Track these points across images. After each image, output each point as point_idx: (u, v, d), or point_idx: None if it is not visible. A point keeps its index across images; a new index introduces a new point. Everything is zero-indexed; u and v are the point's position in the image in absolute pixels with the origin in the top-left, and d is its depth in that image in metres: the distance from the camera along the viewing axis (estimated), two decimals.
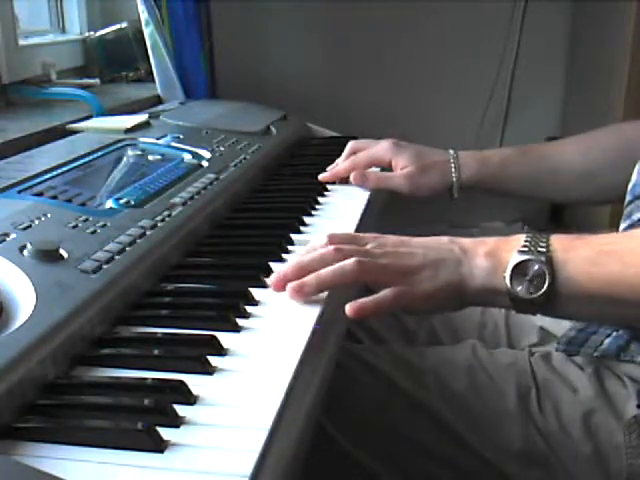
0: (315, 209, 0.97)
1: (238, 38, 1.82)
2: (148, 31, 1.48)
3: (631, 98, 1.50)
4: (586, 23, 1.77)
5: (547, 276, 0.62)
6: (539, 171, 1.05)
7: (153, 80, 1.53)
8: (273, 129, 1.31)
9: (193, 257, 0.77)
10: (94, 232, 0.70)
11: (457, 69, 1.85)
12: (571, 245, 0.64)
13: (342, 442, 0.78)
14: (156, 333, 0.60)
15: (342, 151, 1.12)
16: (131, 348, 0.58)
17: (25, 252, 0.62)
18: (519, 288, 0.63)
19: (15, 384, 0.48)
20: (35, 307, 0.54)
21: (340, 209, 0.98)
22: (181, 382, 0.51)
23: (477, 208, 1.59)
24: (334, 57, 1.86)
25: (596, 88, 1.68)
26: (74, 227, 0.70)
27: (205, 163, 1.01)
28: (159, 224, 0.76)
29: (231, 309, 0.64)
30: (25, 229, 0.67)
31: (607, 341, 0.80)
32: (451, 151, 1.06)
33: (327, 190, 1.05)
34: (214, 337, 0.58)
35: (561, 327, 0.87)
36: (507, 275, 0.64)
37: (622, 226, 0.83)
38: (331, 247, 0.68)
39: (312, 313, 0.65)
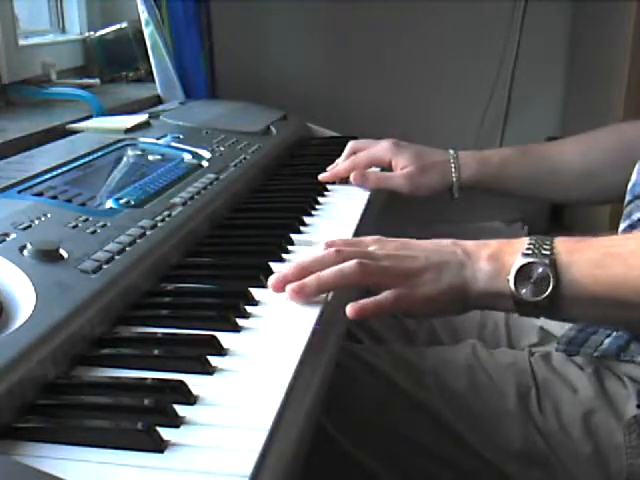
0: (315, 209, 0.97)
1: (238, 38, 1.82)
2: (148, 31, 1.48)
3: (631, 98, 1.50)
4: (586, 23, 1.77)
5: (551, 279, 0.62)
6: (539, 171, 1.05)
7: (153, 80, 1.53)
8: (273, 129, 1.31)
9: (193, 257, 0.77)
10: (94, 232, 0.70)
11: (457, 69, 1.85)
12: (575, 247, 0.64)
13: (342, 442, 0.78)
14: (156, 333, 0.60)
15: (342, 151, 1.12)
16: (131, 348, 0.58)
17: (25, 252, 0.62)
18: (523, 291, 0.63)
19: (15, 384, 0.48)
20: (35, 307, 0.54)
21: (340, 209, 0.98)
22: (181, 382, 0.51)
23: (477, 208, 1.59)
24: (334, 57, 1.86)
25: (596, 88, 1.68)
26: (74, 227, 0.70)
27: (205, 163, 1.01)
28: (159, 224, 0.76)
29: (231, 309, 0.64)
30: (25, 229, 0.67)
31: (607, 341, 0.80)
32: (451, 151, 1.06)
33: (327, 190, 1.05)
34: (214, 337, 0.58)
35: (561, 327, 0.87)
36: (511, 278, 0.63)
37: (622, 226, 0.83)
38: (332, 249, 0.68)
39: (312, 313, 0.65)
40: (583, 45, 1.79)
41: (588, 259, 0.63)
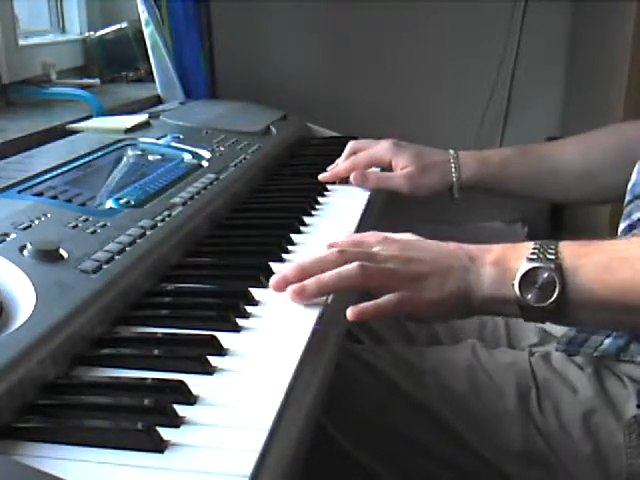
0: (315, 209, 0.97)
1: (238, 38, 1.82)
2: (148, 31, 1.48)
3: (631, 98, 1.50)
4: (586, 23, 1.77)
5: (557, 284, 0.61)
6: (539, 171, 1.05)
7: (153, 80, 1.53)
8: (273, 129, 1.31)
9: (193, 257, 0.77)
10: (94, 232, 0.70)
11: (457, 69, 1.85)
12: (581, 252, 0.63)
13: (342, 442, 0.78)
14: (156, 333, 0.60)
15: (342, 151, 1.12)
16: (131, 348, 0.58)
17: (25, 252, 0.62)
18: (528, 296, 0.62)
19: (15, 384, 0.48)
20: (35, 307, 0.54)
21: (340, 209, 0.98)
22: (181, 382, 0.51)
23: (477, 208, 1.59)
24: (334, 57, 1.86)
25: (596, 88, 1.68)
26: (74, 227, 0.70)
27: (205, 163, 1.01)
28: (159, 224, 0.76)
29: (231, 309, 0.64)
30: (25, 229, 0.67)
31: (607, 341, 0.80)
32: (451, 151, 1.06)
33: (327, 190, 1.05)
34: (214, 337, 0.58)
35: (561, 327, 0.86)
36: (516, 284, 0.63)
37: (622, 226, 0.83)
38: (334, 249, 0.68)
39: (312, 313, 0.65)
40: (583, 45, 1.79)
41: (595, 263, 0.62)
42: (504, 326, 0.98)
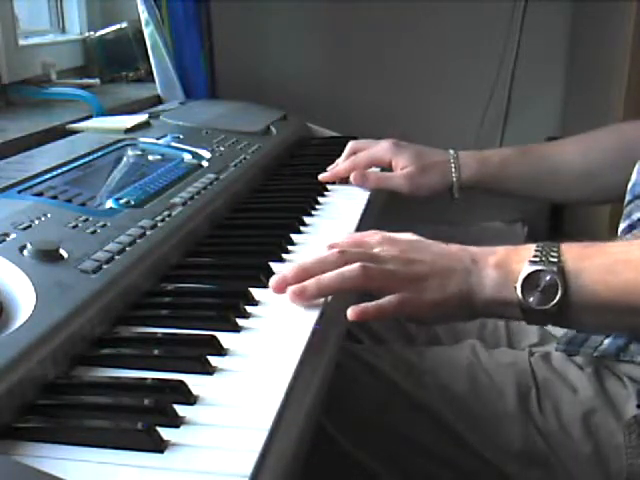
0: (315, 209, 0.97)
1: (238, 38, 1.82)
2: (148, 31, 1.48)
3: (631, 98, 1.50)
4: (586, 23, 1.77)
5: (559, 287, 0.61)
6: (539, 171, 1.05)
7: (153, 80, 1.53)
8: (273, 129, 1.31)
9: (193, 257, 0.77)
10: (94, 232, 0.70)
11: (457, 69, 1.85)
12: (583, 254, 0.63)
13: (342, 442, 0.78)
14: (156, 333, 0.60)
15: (342, 151, 1.12)
16: (131, 348, 0.58)
17: (25, 252, 0.62)
18: (531, 299, 0.62)
19: (15, 384, 0.48)
20: (35, 307, 0.54)
21: (340, 209, 0.98)
22: (181, 382, 0.51)
23: (477, 208, 1.59)
24: (334, 57, 1.86)
25: (596, 88, 1.68)
26: (74, 227, 0.70)
27: (205, 163, 1.01)
28: (159, 224, 0.76)
29: (231, 309, 0.64)
30: (25, 229, 0.67)
31: (607, 341, 0.80)
32: (451, 151, 1.06)
33: (327, 190, 1.05)
34: (214, 337, 0.58)
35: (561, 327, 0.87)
36: (518, 286, 0.63)
37: (622, 226, 0.83)
38: (335, 250, 0.68)
39: (312, 313, 0.65)
40: (583, 45, 1.79)
41: (599, 265, 0.62)
42: (504, 326, 0.98)
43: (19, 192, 0.78)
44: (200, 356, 0.55)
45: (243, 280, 0.71)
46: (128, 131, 1.10)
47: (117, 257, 0.66)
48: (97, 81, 1.56)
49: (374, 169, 1.09)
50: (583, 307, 0.62)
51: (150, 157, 0.99)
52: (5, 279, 0.58)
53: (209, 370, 0.55)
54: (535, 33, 1.81)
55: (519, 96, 1.86)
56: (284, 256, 0.78)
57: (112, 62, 1.67)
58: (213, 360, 0.55)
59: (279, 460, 0.46)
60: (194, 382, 0.52)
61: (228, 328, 0.61)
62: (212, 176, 0.95)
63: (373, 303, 0.64)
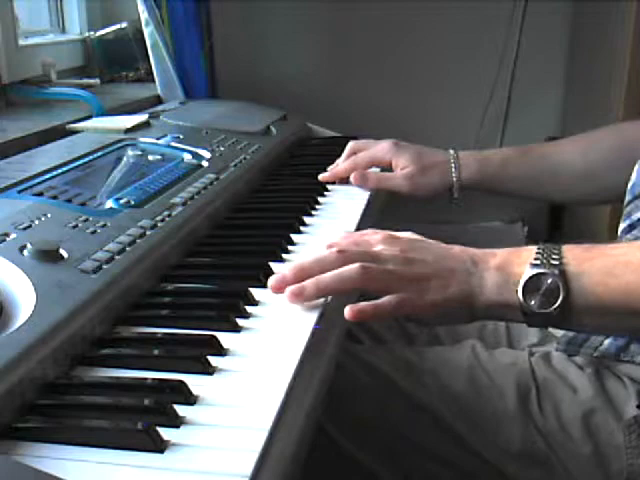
0: (315, 209, 0.97)
1: (238, 38, 1.82)
2: (148, 31, 1.48)
3: (631, 98, 1.50)
4: (586, 23, 1.77)
5: (561, 290, 0.61)
6: (539, 171, 1.05)
7: (153, 80, 1.53)
8: (273, 129, 1.31)
9: (193, 257, 0.77)
10: (94, 232, 0.70)
11: (457, 69, 1.85)
12: (585, 256, 0.63)
13: (342, 442, 0.78)
14: (156, 333, 0.60)
15: (342, 151, 1.12)
16: (131, 348, 0.58)
17: (25, 252, 0.62)
18: (532, 302, 0.62)
19: (15, 384, 0.48)
20: (35, 307, 0.54)
21: (340, 209, 0.98)
22: (181, 382, 0.51)
23: (477, 208, 1.59)
24: (334, 57, 1.86)
25: (596, 88, 1.68)
26: (74, 227, 0.70)
27: (205, 163, 1.01)
28: (159, 224, 0.76)
29: (231, 309, 0.64)
30: (25, 229, 0.67)
31: (607, 341, 0.80)
32: (451, 151, 1.06)
33: (327, 190, 1.05)
34: (214, 337, 0.58)
35: None
36: (520, 289, 0.62)
37: (622, 226, 0.83)
38: (334, 250, 0.67)
39: (312, 313, 0.65)
40: (583, 45, 1.79)
41: (600, 267, 0.61)
42: (504, 326, 0.98)
43: (19, 192, 0.78)
44: (200, 356, 0.55)
45: (243, 280, 0.71)
46: (128, 131, 1.10)
47: (117, 257, 0.66)
48: (97, 81, 1.56)
49: (374, 169, 1.09)
50: (584, 310, 0.62)
51: (150, 157, 0.99)
52: (5, 279, 0.58)
53: (209, 370, 0.55)
54: (535, 33, 1.81)
55: (519, 96, 1.86)
56: (284, 256, 0.78)
57: (112, 62, 1.67)
58: (213, 360, 0.55)
59: (279, 460, 0.46)
60: (194, 382, 0.52)
61: (228, 328, 0.61)
62: (212, 176, 0.95)
63: (371, 302, 0.64)
